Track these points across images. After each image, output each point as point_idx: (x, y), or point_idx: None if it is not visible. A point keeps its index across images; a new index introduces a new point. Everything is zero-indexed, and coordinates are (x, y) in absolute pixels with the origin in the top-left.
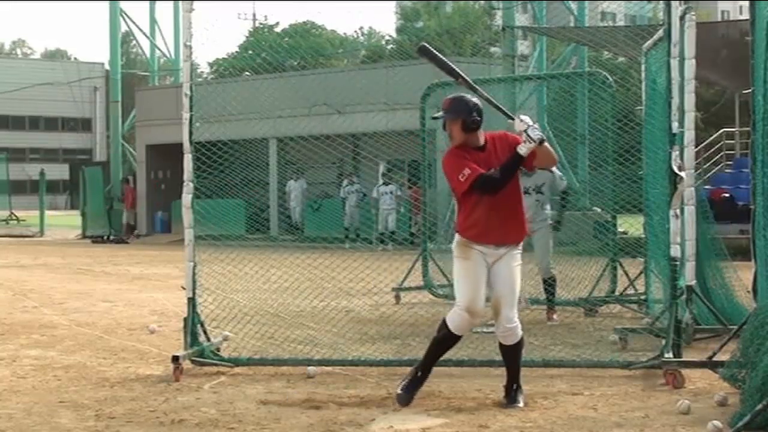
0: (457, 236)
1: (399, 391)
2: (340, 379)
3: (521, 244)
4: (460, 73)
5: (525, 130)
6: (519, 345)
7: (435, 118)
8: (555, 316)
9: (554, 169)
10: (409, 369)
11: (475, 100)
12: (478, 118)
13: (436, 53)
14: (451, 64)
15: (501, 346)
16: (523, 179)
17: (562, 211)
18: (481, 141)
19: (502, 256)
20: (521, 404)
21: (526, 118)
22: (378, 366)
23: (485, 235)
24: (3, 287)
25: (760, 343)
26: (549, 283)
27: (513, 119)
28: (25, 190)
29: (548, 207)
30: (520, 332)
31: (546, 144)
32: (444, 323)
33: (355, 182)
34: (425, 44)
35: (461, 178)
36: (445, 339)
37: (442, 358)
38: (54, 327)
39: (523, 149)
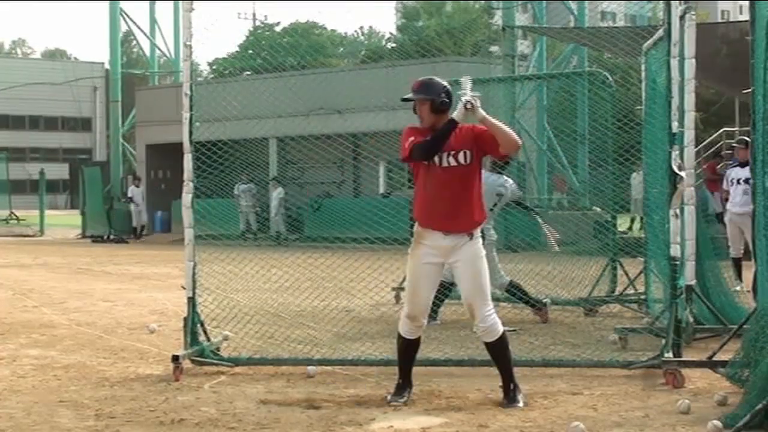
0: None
1: (389, 400)
2: (340, 378)
3: (477, 233)
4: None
5: (460, 96)
6: (501, 341)
7: (404, 100)
8: (544, 314)
9: (507, 178)
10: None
11: (444, 83)
12: (447, 100)
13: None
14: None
15: (485, 344)
16: None
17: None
18: None
19: (458, 251)
20: (521, 404)
21: (467, 81)
22: (378, 366)
23: (431, 218)
24: (3, 287)
25: (765, 341)
26: (512, 291)
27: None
28: (25, 189)
29: (492, 223)
30: (500, 328)
31: (487, 117)
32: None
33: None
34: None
35: (406, 145)
36: (404, 346)
37: (442, 358)
38: (54, 326)
39: (457, 114)
